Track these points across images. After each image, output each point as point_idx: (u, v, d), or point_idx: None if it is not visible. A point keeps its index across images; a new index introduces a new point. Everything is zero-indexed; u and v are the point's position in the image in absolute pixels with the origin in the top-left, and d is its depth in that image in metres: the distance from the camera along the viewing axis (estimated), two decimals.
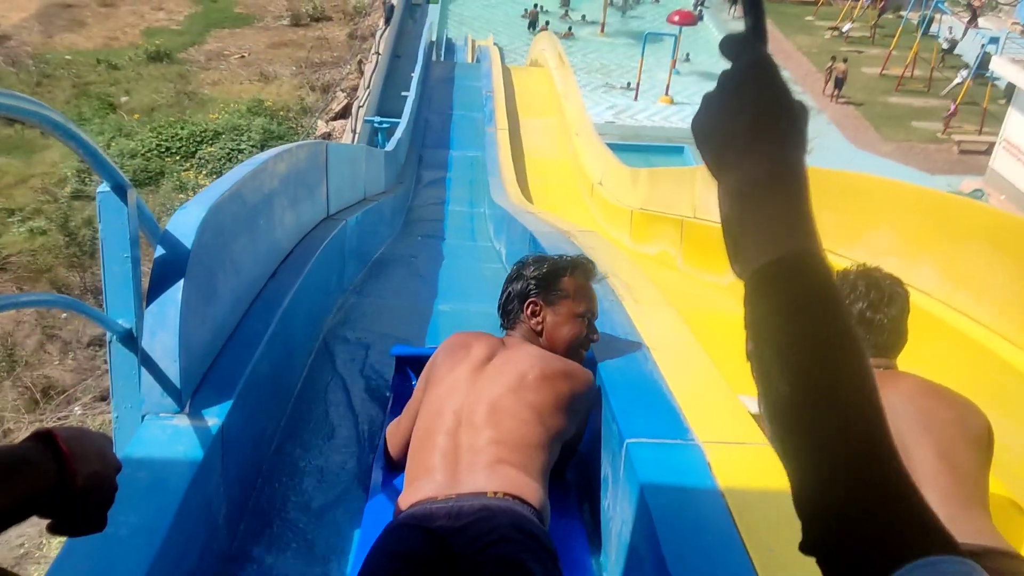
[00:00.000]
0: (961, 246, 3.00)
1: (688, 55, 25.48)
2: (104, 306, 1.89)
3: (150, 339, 1.86)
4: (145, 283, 1.97)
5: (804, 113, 0.69)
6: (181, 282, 1.89)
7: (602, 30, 28.53)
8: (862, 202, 3.63)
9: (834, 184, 3.74)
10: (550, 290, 2.40)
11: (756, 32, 0.73)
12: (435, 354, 2.35)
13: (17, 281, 13.47)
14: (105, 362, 11.79)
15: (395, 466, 2.35)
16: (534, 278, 2.42)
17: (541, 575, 1.68)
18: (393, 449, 2.37)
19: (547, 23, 28.23)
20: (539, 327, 2.39)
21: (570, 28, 27.70)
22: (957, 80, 23.77)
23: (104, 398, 11.11)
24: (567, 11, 28.35)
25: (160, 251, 1.95)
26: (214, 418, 1.90)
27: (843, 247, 3.64)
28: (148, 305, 1.88)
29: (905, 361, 2.99)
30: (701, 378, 2.32)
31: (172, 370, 1.86)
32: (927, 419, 1.93)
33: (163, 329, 1.86)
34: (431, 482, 1.94)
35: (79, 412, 10.92)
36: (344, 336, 3.43)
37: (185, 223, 2.01)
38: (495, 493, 1.87)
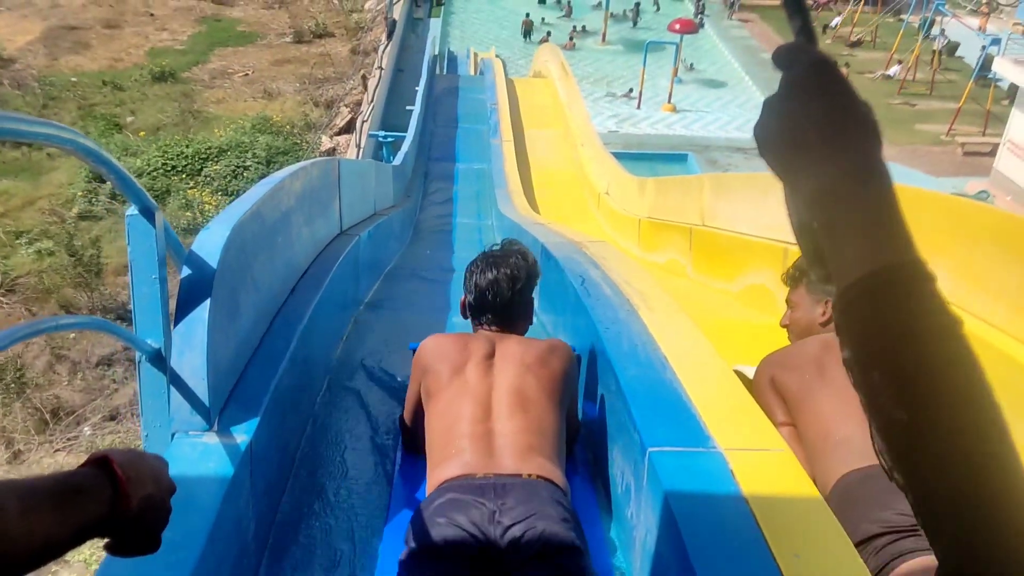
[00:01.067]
0: (974, 249, 3.01)
1: (692, 64, 25.56)
2: (133, 326, 1.92)
3: (178, 358, 1.89)
4: (172, 303, 2.00)
5: (872, 111, 0.68)
6: (207, 302, 1.92)
7: (603, 39, 28.65)
8: None
9: None
10: None
11: (806, 34, 0.73)
12: (425, 356, 2.42)
13: (25, 303, 13.53)
14: (114, 381, 11.86)
15: (416, 459, 2.45)
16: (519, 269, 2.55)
17: (585, 551, 1.87)
18: (409, 439, 2.55)
19: (548, 33, 28.35)
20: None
21: (572, 39, 27.81)
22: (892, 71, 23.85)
23: (113, 418, 11.15)
24: (574, 28, 28.48)
25: (186, 271, 1.98)
26: (242, 435, 1.92)
27: None
28: (176, 325, 1.91)
29: None
30: (720, 385, 2.34)
31: (200, 388, 1.89)
32: None
33: (191, 348, 1.89)
34: (465, 463, 2.03)
35: (88, 433, 10.96)
36: (360, 350, 3.46)
37: (210, 243, 2.04)
38: (529, 475, 1.99)
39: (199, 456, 1.82)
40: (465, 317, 2.66)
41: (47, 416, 10.90)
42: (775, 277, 4.39)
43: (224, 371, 2.03)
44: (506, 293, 2.49)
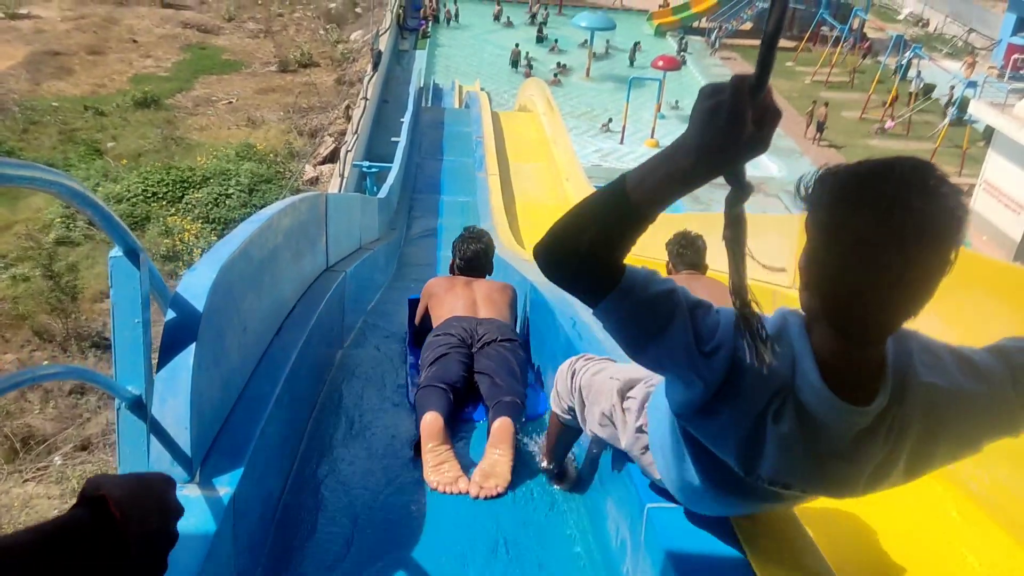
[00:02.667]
0: (964, 296, 3.00)
1: (677, 101, 25.84)
2: (113, 372, 1.84)
3: (160, 406, 1.82)
4: (155, 346, 1.93)
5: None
6: (192, 346, 1.86)
7: (587, 75, 28.93)
8: None
9: None
10: None
11: (757, 83, 1.01)
12: (431, 287, 4.07)
13: None
14: (87, 410, 11.64)
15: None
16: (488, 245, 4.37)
17: (520, 361, 3.44)
18: (414, 334, 4.19)
19: (530, 66, 28.59)
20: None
21: (556, 75, 28.05)
22: (888, 125, 24.34)
23: (85, 448, 10.91)
24: (559, 64, 28.76)
25: (171, 314, 1.92)
26: (225, 487, 1.85)
27: None
28: (158, 370, 1.84)
29: None
30: None
31: (183, 437, 1.82)
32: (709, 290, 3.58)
33: (174, 395, 1.82)
34: (458, 313, 3.73)
35: (59, 462, 10.72)
36: (345, 390, 3.39)
37: (196, 285, 1.98)
38: (493, 318, 3.68)
39: None
40: (452, 272, 4.30)
41: (17, 445, 10.66)
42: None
43: (208, 418, 1.96)
44: (482, 258, 4.27)
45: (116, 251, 1.78)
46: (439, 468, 2.75)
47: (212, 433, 2.00)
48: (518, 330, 4.01)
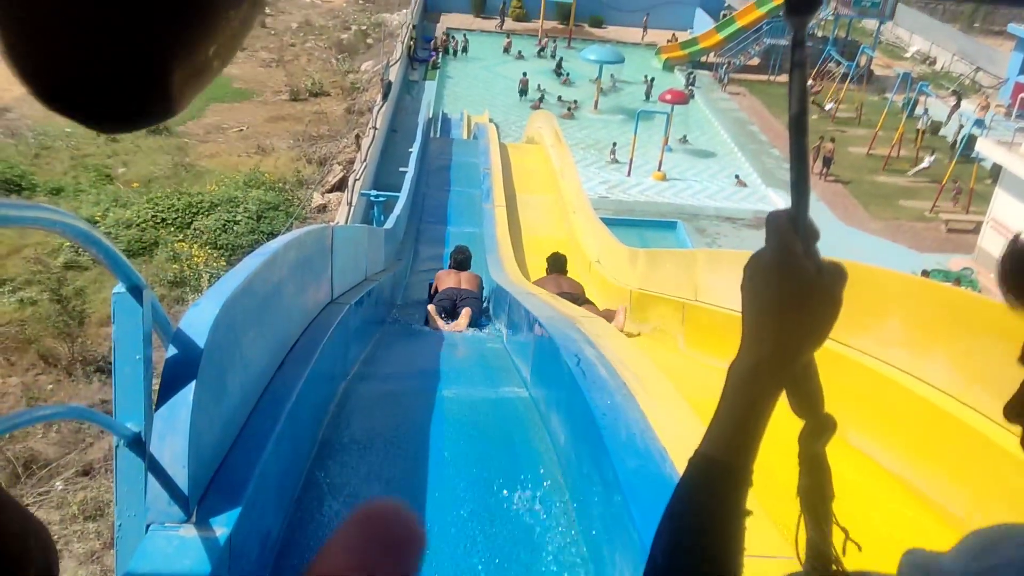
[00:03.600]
0: (972, 340, 2.97)
1: (685, 136, 25.95)
2: (113, 409, 1.83)
3: (159, 443, 1.80)
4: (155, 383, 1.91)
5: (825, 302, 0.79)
6: (193, 383, 1.84)
7: (595, 107, 29.12)
8: (868, 292, 3.62)
9: None
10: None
11: (797, 213, 0.78)
12: (439, 275, 8.09)
13: (4, 352, 13.31)
14: (90, 435, 11.61)
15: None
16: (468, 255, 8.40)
17: (478, 306, 7.69)
18: (432, 302, 7.64)
19: (542, 98, 28.80)
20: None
21: (569, 109, 28.21)
22: (924, 165, 24.32)
23: (87, 472, 10.86)
24: (574, 102, 28.91)
25: (172, 351, 1.90)
26: (222, 527, 1.82)
27: (851, 337, 3.62)
28: (158, 408, 1.83)
29: (919, 458, 2.93)
30: None
31: (180, 476, 1.79)
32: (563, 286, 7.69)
33: (173, 433, 1.80)
34: (452, 287, 7.73)
35: (60, 487, 10.68)
36: (347, 427, 3.36)
37: (198, 321, 1.97)
38: (470, 290, 7.72)
39: (175, 551, 1.71)
40: (450, 267, 8.26)
41: (19, 469, 10.62)
42: None
43: (206, 457, 1.94)
44: (465, 262, 8.19)
45: (120, 287, 1.77)
46: (436, 322, 7.09)
47: (210, 472, 1.98)
48: (528, 378, 4.37)
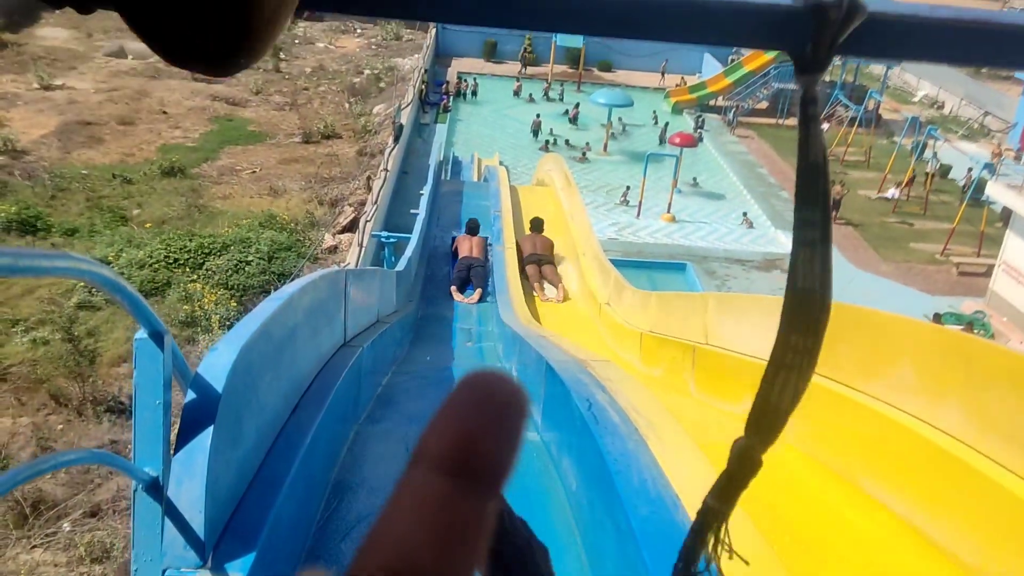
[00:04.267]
0: (986, 388, 2.97)
1: (695, 179, 26.12)
2: (132, 453, 1.85)
3: (176, 488, 1.82)
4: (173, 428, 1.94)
5: None
6: (211, 428, 1.87)
7: (605, 149, 29.36)
8: (879, 337, 3.62)
9: (850, 318, 3.74)
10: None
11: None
12: (458, 240, 11.43)
13: (16, 392, 13.37)
14: (98, 476, 11.59)
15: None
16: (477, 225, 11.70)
17: (487, 271, 10.89)
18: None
19: (549, 142, 29.06)
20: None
21: (583, 153, 28.43)
22: (888, 195, 24.42)
23: (94, 514, 10.84)
24: (587, 144, 29.12)
25: (191, 395, 1.93)
26: (237, 573, 1.83)
27: (862, 382, 3.62)
28: (176, 453, 1.85)
29: (933, 506, 2.91)
30: (734, 529, 2.25)
31: (197, 521, 1.81)
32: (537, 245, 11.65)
33: (190, 478, 1.82)
34: (467, 255, 10.95)
35: (68, 529, 10.65)
36: (359, 469, 3.37)
37: (217, 366, 2.00)
38: (478, 258, 10.93)
39: None
40: (464, 232, 11.52)
41: (27, 510, 10.60)
42: None
43: (222, 501, 1.96)
44: (477, 228, 11.45)
45: (141, 333, 1.81)
46: (458, 294, 10.50)
47: (226, 516, 1.99)
48: (539, 421, 4.39)
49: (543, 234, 11.94)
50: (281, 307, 2.59)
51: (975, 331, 16.49)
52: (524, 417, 0.27)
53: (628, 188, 24.30)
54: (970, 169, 24.77)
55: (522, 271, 11.10)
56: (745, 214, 23.49)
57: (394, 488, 0.26)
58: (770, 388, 0.65)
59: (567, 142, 29.48)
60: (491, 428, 0.26)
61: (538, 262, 11.52)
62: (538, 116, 30.54)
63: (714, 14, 0.62)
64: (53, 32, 35.16)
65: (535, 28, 0.63)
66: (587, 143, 29.17)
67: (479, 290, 10.45)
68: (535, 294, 11.16)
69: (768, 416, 0.67)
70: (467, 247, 11.04)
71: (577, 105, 32.96)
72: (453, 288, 10.56)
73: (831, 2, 0.60)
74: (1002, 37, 0.64)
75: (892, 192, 24.87)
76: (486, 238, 11.45)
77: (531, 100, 34.69)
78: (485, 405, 0.26)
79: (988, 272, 19.88)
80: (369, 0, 0.61)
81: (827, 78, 34.47)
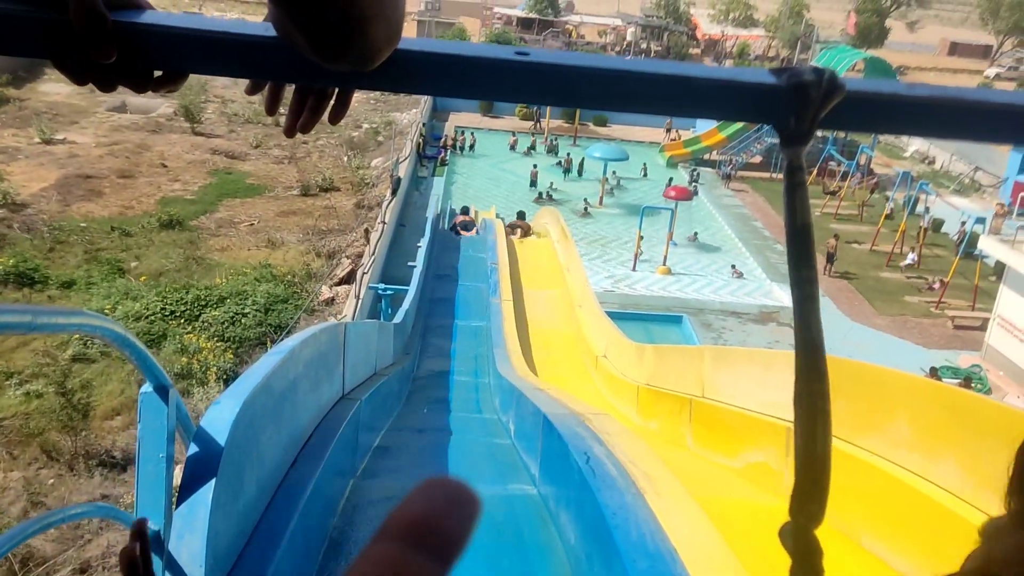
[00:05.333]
0: (981, 444, 2.99)
1: (696, 233, 26.30)
2: (135, 507, 1.86)
3: (177, 542, 1.83)
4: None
5: None
6: (213, 482, 1.88)
7: (600, 203, 29.62)
8: (876, 392, 3.65)
9: (847, 372, 3.77)
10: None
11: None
12: (457, 216, 19.23)
13: (8, 445, 13.24)
14: (89, 531, 11.43)
15: None
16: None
17: (473, 226, 18.44)
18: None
19: (541, 195, 29.31)
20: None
21: (586, 209, 28.62)
22: (908, 260, 24.57)
23: (84, 570, 10.65)
24: (586, 200, 29.31)
25: (194, 448, 1.95)
26: None
27: (860, 437, 3.63)
28: (178, 506, 1.86)
29: (932, 562, 2.92)
30: None
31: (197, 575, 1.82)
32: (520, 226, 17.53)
33: (191, 532, 1.83)
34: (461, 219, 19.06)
35: None
36: (355, 524, 3.36)
37: (219, 420, 2.02)
38: (471, 220, 18.60)
39: None
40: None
41: (15, 566, 10.42)
42: (778, 455, 4.34)
43: (222, 555, 1.96)
44: (468, 211, 18.53)
45: (147, 387, 1.84)
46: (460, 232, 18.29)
47: (226, 569, 2.00)
48: (537, 475, 4.39)
49: (524, 221, 20.32)
50: (282, 361, 2.62)
51: (973, 385, 16.49)
52: (476, 510, 0.31)
53: (641, 238, 24.03)
54: (963, 223, 25.02)
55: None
56: (734, 266, 23.63)
57: (357, 555, 0.29)
58: (811, 441, 0.63)
59: (550, 196, 29.65)
60: (447, 513, 0.30)
61: (517, 227, 19.81)
62: (535, 167, 30.96)
63: (704, 90, 0.66)
64: (56, 87, 35.65)
65: (532, 102, 0.68)
66: (585, 199, 29.43)
67: (475, 230, 17.72)
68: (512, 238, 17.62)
69: (815, 473, 0.64)
70: (461, 220, 18.30)
71: (568, 154, 33.40)
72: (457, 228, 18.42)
73: (811, 82, 0.64)
74: (976, 114, 0.69)
75: (911, 257, 24.92)
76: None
77: (528, 153, 35.15)
78: (443, 497, 0.30)
79: (983, 326, 19.95)
80: (391, 78, 0.66)
81: (819, 133, 35.05)
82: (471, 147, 35.43)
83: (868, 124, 0.71)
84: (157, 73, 0.66)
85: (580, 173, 32.44)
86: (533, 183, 30.32)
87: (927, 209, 26.44)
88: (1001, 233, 19.43)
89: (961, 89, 0.71)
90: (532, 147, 35.72)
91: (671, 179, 31.76)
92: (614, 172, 31.29)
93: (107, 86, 0.66)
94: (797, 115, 0.65)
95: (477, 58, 0.61)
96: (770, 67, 0.69)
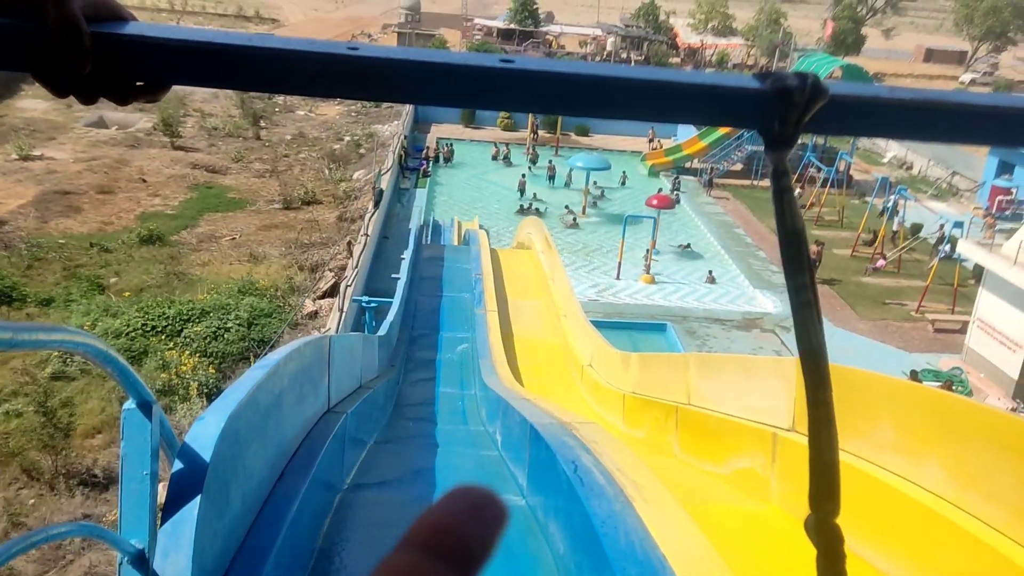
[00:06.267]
0: (964, 445, 3.01)
1: (690, 244, 26.40)
2: (119, 525, 1.84)
3: (162, 560, 1.81)
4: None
5: None
6: (198, 498, 1.86)
7: (583, 212, 29.70)
8: (860, 396, 3.67)
9: (830, 377, 3.78)
10: None
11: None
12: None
13: None
14: (70, 551, 11.29)
15: None
16: None
17: None
18: None
19: (529, 206, 29.30)
20: None
21: (575, 220, 28.64)
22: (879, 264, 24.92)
23: None
24: (571, 213, 29.35)
25: (178, 465, 1.93)
26: None
27: (844, 441, 3.65)
28: (163, 524, 1.84)
29: (917, 564, 2.93)
30: None
31: None
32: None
33: (177, 549, 1.81)
34: None
35: None
36: (343, 538, 3.33)
37: (204, 435, 2.00)
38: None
39: None
40: None
41: None
42: (765, 461, 4.35)
43: (209, 572, 1.94)
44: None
45: (130, 403, 1.82)
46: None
47: None
48: (525, 485, 4.38)
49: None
50: (267, 375, 2.60)
51: (954, 388, 16.62)
52: (502, 520, 0.31)
53: (688, 245, 24.26)
54: (942, 225, 25.28)
55: None
56: (710, 272, 23.79)
57: (378, 562, 0.29)
58: (818, 447, 0.66)
59: (537, 210, 29.59)
60: (471, 523, 0.30)
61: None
62: (524, 176, 31.08)
63: (689, 96, 0.67)
64: (33, 103, 35.39)
65: (516, 109, 0.68)
66: (567, 206, 29.49)
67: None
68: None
69: (826, 476, 0.67)
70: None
71: (551, 161, 33.56)
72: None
73: (795, 86, 0.64)
74: (956, 115, 0.70)
75: (880, 263, 25.24)
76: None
77: (508, 163, 35.21)
78: (467, 506, 0.30)
79: (963, 329, 20.13)
80: (348, 85, 0.65)
81: (799, 140, 35.32)
82: (447, 160, 35.32)
83: (851, 127, 0.71)
84: (140, 84, 0.66)
85: (568, 184, 32.47)
86: (522, 191, 30.43)
87: (895, 208, 26.73)
88: (993, 241, 19.61)
89: (941, 92, 0.72)
90: (507, 157, 35.74)
91: (660, 188, 31.91)
92: (595, 183, 31.41)
93: (88, 99, 0.66)
94: (781, 119, 0.66)
95: (462, 65, 0.61)
96: (753, 73, 0.69)
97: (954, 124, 0.70)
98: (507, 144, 36.77)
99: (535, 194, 30.56)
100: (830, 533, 0.67)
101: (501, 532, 0.30)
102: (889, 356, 19.26)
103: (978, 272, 20.24)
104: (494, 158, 35.92)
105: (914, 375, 16.85)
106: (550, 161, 33.90)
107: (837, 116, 0.68)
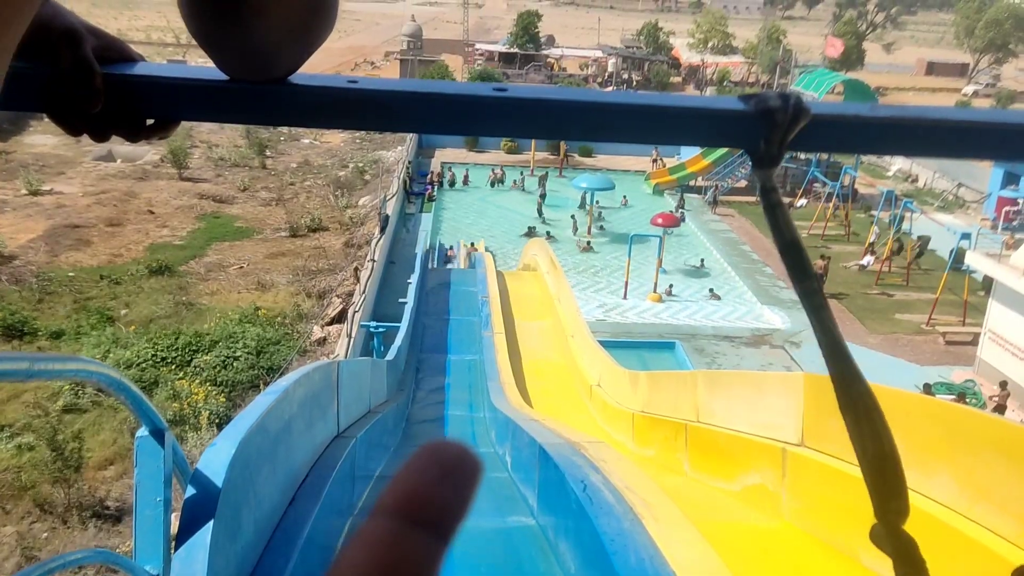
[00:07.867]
0: (975, 457, 3.01)
1: (703, 260, 26.42)
2: (133, 551, 1.86)
3: None
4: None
5: None
6: (210, 524, 1.88)
7: (588, 231, 29.75)
8: None
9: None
10: None
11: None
12: None
13: (0, 500, 13.10)
14: None
15: None
16: None
17: None
18: None
19: (548, 235, 28.97)
20: None
21: (589, 243, 28.60)
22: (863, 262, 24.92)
23: None
24: (586, 240, 29.36)
25: (191, 491, 1.95)
26: None
27: (855, 455, 3.64)
28: (177, 549, 1.86)
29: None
30: None
31: None
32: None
33: (191, 575, 1.83)
34: None
35: None
36: None
37: (216, 461, 2.02)
38: None
39: None
40: None
41: None
42: (775, 476, 4.34)
43: None
44: None
45: (143, 431, 1.84)
46: None
47: None
48: (535, 506, 4.34)
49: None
50: (277, 401, 2.62)
51: (967, 400, 16.52)
52: (476, 476, 0.30)
53: (702, 261, 24.24)
54: (962, 238, 25.26)
55: None
56: (711, 290, 23.79)
57: (352, 534, 0.30)
58: (862, 442, 0.63)
59: (546, 233, 29.53)
60: (444, 484, 0.29)
61: None
62: (542, 198, 31.20)
63: (678, 119, 0.69)
64: (42, 139, 35.76)
65: (510, 135, 0.71)
66: (574, 219, 29.55)
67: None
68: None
69: (884, 470, 0.64)
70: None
71: (545, 181, 33.71)
72: None
73: (777, 107, 0.67)
74: (936, 132, 0.72)
75: (867, 259, 25.33)
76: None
77: (515, 186, 35.31)
78: (439, 465, 0.30)
79: (974, 340, 20.03)
80: (353, 116, 0.68)
81: (803, 156, 35.38)
82: (451, 184, 35.42)
83: (835, 145, 0.74)
84: (150, 122, 0.69)
85: (542, 198, 32.40)
86: (540, 212, 30.63)
87: (903, 224, 26.71)
88: (973, 239, 19.53)
89: (922, 108, 0.74)
90: (500, 179, 35.84)
91: (675, 208, 31.94)
92: (597, 202, 31.46)
93: (101, 136, 0.70)
94: (766, 139, 0.68)
95: (457, 95, 0.64)
96: (739, 94, 0.72)
97: (935, 139, 0.73)
98: (522, 171, 36.77)
99: (544, 218, 30.69)
100: (902, 539, 0.62)
101: (476, 487, 0.30)
102: (901, 370, 19.16)
103: (987, 284, 20.15)
104: (500, 181, 36.00)
105: (927, 388, 16.76)
106: (544, 175, 34.13)
107: (821, 134, 0.71)
